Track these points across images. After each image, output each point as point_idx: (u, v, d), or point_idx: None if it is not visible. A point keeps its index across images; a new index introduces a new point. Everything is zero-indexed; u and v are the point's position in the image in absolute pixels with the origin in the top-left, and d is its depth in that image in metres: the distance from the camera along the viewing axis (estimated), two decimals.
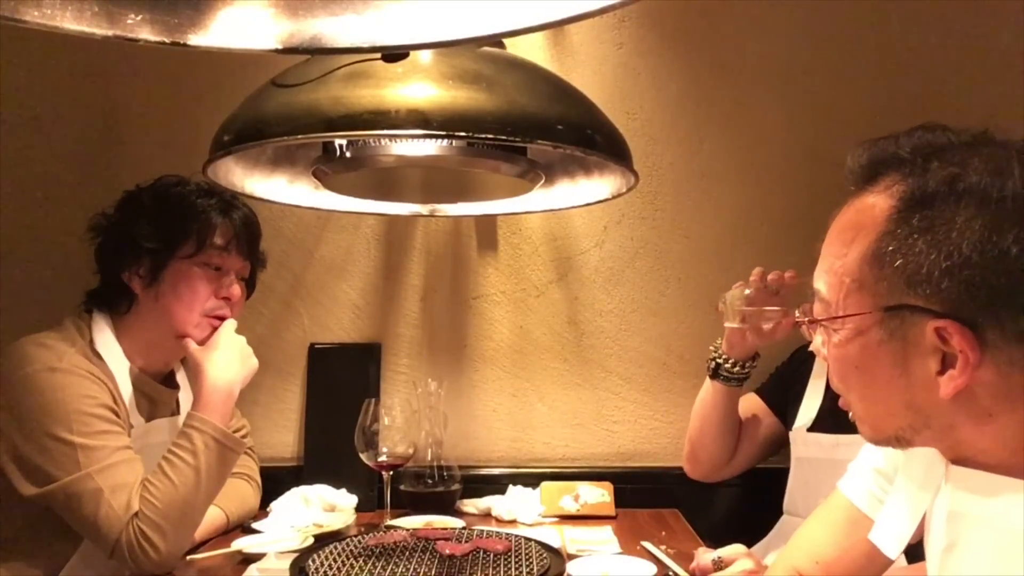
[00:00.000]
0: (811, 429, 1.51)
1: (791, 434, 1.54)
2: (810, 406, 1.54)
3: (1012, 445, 0.72)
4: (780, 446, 1.63)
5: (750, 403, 1.64)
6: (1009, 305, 0.68)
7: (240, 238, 1.44)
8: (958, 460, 0.77)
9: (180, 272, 1.38)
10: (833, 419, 1.49)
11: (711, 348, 1.55)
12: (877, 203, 0.75)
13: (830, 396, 1.52)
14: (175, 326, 1.40)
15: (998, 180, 0.69)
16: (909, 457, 0.88)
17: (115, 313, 1.41)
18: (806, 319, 0.84)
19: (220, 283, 1.42)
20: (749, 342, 1.50)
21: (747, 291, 1.44)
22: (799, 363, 1.62)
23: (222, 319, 1.43)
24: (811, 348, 0.87)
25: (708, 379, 1.56)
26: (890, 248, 0.72)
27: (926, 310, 0.70)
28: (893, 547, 0.87)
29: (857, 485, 0.96)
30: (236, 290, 1.44)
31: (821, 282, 0.80)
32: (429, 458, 1.68)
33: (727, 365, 1.52)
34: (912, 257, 0.70)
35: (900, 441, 0.78)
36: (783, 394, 1.62)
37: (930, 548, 0.80)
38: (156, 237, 1.37)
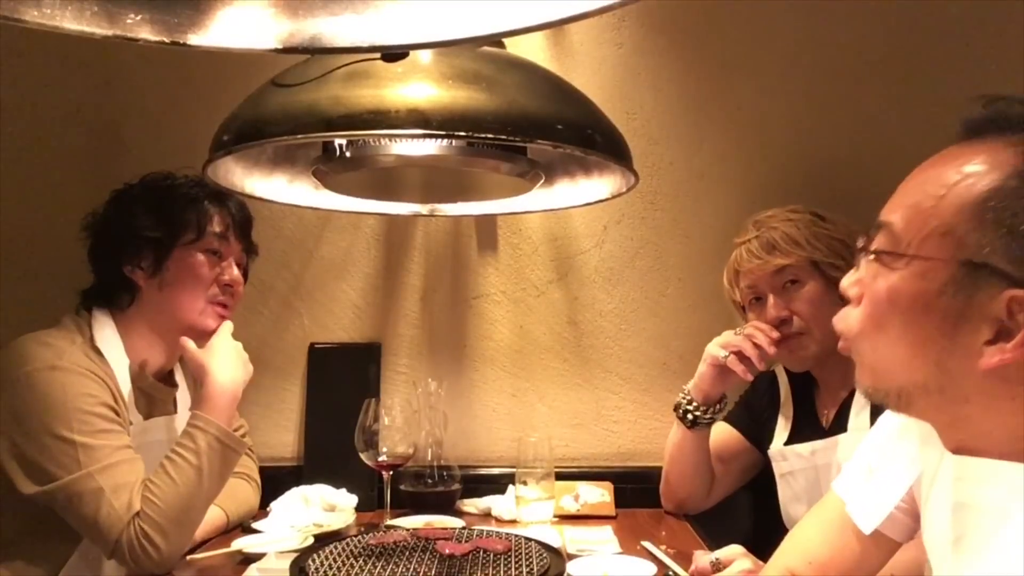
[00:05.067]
0: (787, 444, 1.53)
1: (771, 453, 1.55)
2: (783, 426, 1.55)
3: (1017, 431, 0.71)
4: (756, 471, 1.63)
5: (723, 433, 1.65)
6: None
7: (236, 223, 1.46)
8: (957, 443, 0.76)
9: (183, 259, 1.40)
10: (805, 430, 1.51)
11: (680, 397, 1.56)
12: (997, 157, 0.71)
13: (801, 411, 1.55)
14: (180, 315, 1.41)
15: None
16: (902, 431, 0.88)
17: (117, 308, 1.41)
18: (871, 248, 0.78)
19: (220, 268, 1.44)
20: (721, 384, 1.52)
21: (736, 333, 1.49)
22: (765, 388, 1.63)
23: (225, 306, 1.44)
24: (841, 285, 0.82)
25: (681, 427, 1.56)
26: (997, 204, 0.69)
27: (1008, 276, 0.68)
28: (867, 522, 0.87)
29: (848, 484, 0.95)
30: (236, 274, 1.46)
31: (897, 216, 0.76)
32: (429, 458, 1.68)
33: (699, 412, 1.53)
34: (1020, 220, 0.68)
35: (901, 397, 0.76)
36: (754, 419, 1.63)
37: (934, 541, 0.79)
38: (157, 226, 1.39)
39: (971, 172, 0.72)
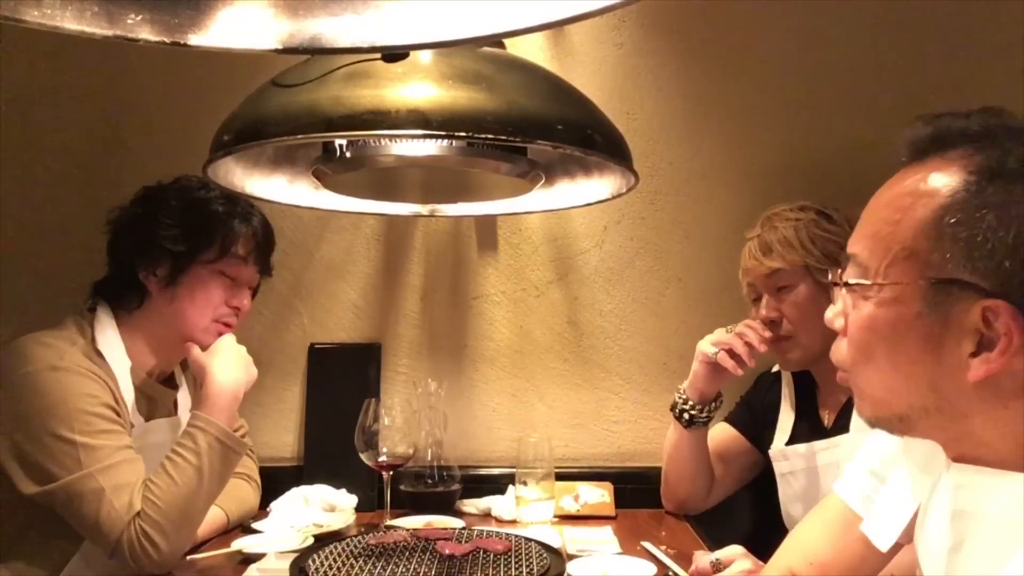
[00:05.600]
0: (789, 444, 1.53)
1: (772, 453, 1.55)
2: (785, 426, 1.55)
3: (1019, 439, 0.71)
4: (757, 471, 1.64)
5: (723, 433, 1.65)
6: None
7: (259, 250, 1.46)
8: (959, 454, 0.76)
9: (199, 277, 1.40)
10: (806, 430, 1.52)
11: (676, 396, 1.57)
12: (944, 173, 0.72)
13: (801, 411, 1.55)
14: (184, 329, 1.41)
15: None
16: (905, 451, 0.88)
17: (123, 309, 1.41)
18: (842, 282, 0.79)
19: (233, 292, 1.44)
20: (715, 382, 1.53)
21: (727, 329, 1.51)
22: (766, 388, 1.63)
23: (229, 326, 1.44)
24: (825, 318, 0.84)
25: (678, 427, 1.57)
26: (953, 220, 0.70)
27: (978, 287, 0.68)
28: (884, 539, 0.87)
29: (851, 486, 0.95)
30: (247, 301, 1.47)
31: (860, 246, 0.78)
32: (429, 458, 1.68)
33: (695, 411, 1.54)
34: (977, 231, 0.68)
35: (903, 422, 0.77)
36: (754, 419, 1.63)
37: (929, 547, 0.79)
38: (180, 240, 1.38)
39: (923, 192, 0.73)
